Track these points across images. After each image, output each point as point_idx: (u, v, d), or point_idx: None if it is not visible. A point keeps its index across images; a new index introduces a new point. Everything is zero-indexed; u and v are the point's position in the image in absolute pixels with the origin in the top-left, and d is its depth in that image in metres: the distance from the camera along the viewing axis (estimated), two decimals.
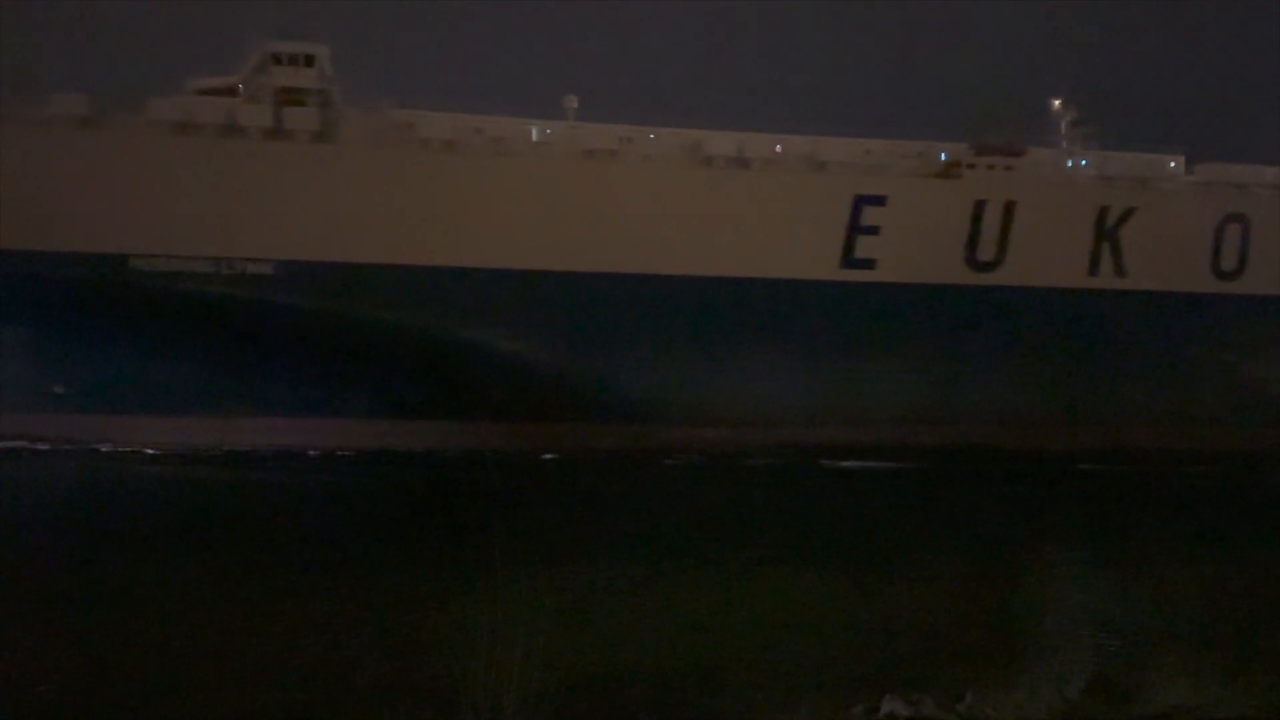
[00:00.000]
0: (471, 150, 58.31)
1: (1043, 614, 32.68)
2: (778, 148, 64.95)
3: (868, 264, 62.75)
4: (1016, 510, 49.74)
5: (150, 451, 55.14)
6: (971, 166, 64.87)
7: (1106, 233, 65.34)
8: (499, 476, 49.57)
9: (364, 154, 56.67)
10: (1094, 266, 65.24)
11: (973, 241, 63.77)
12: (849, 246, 62.63)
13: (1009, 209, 63.81)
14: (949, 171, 65.13)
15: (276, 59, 56.96)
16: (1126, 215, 65.46)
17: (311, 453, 55.01)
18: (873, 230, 62.66)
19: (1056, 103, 72.86)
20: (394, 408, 57.27)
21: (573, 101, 64.41)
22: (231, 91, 58.93)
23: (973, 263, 63.87)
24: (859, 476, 57.61)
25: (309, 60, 57.15)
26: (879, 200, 62.72)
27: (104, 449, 54.86)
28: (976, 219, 63.69)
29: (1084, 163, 69.22)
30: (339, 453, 55.41)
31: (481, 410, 57.87)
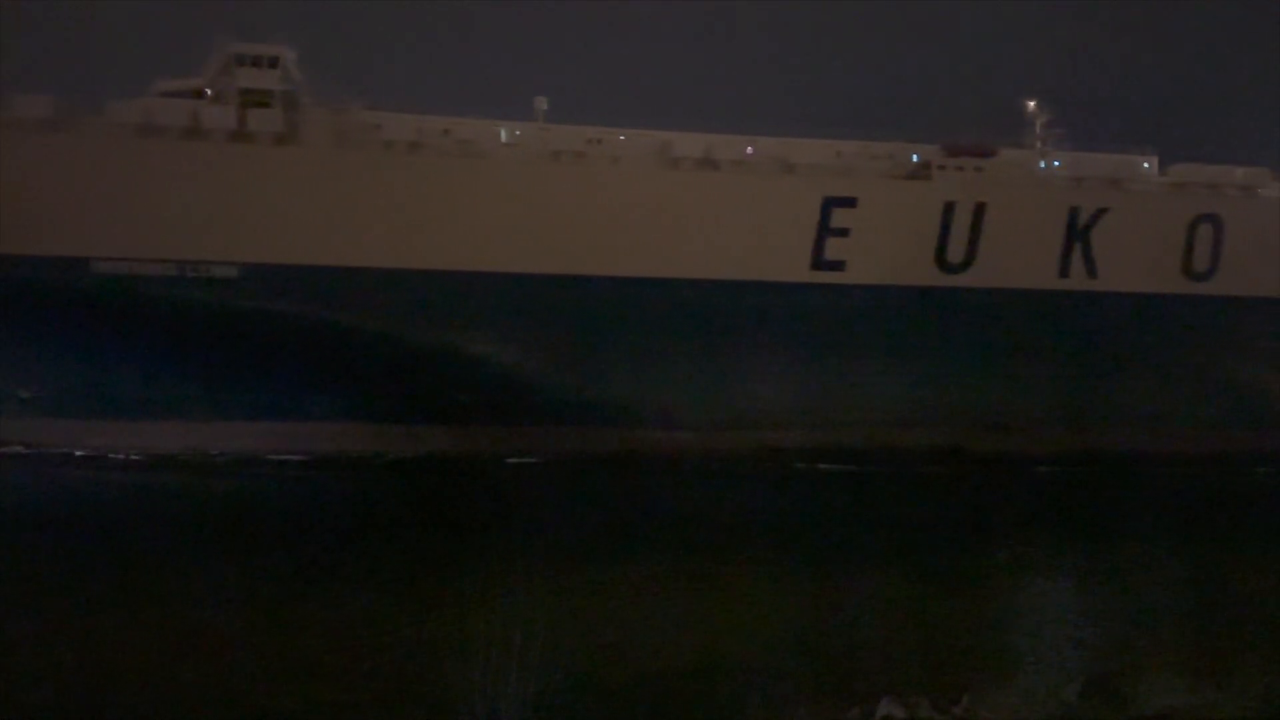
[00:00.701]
0: (436, 152, 58.04)
1: (941, 620, 32.61)
2: (749, 149, 64.75)
3: (837, 266, 62.55)
4: (960, 515, 49.74)
5: (117, 457, 55.03)
6: (941, 168, 64.65)
7: (1078, 234, 65.17)
8: (460, 482, 49.39)
9: (327, 155, 56.40)
10: (1065, 268, 65.07)
11: (943, 243, 63.60)
12: (818, 248, 62.42)
13: (979, 210, 63.62)
14: (919, 173, 64.94)
15: (239, 60, 56.70)
16: (1098, 216, 65.29)
17: (273, 458, 54.75)
18: (842, 232, 62.46)
19: (1031, 104, 72.90)
20: (362, 412, 57.06)
21: (542, 103, 64.24)
22: (198, 94, 58.74)
23: (943, 264, 63.69)
24: (811, 479, 57.42)
25: (272, 62, 56.88)
26: (849, 202, 62.53)
27: (78, 454, 54.72)
28: (946, 220, 63.48)
29: (1056, 163, 69.14)
30: (295, 458, 55.17)
31: (450, 414, 57.79)
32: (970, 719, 20.93)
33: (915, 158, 66.28)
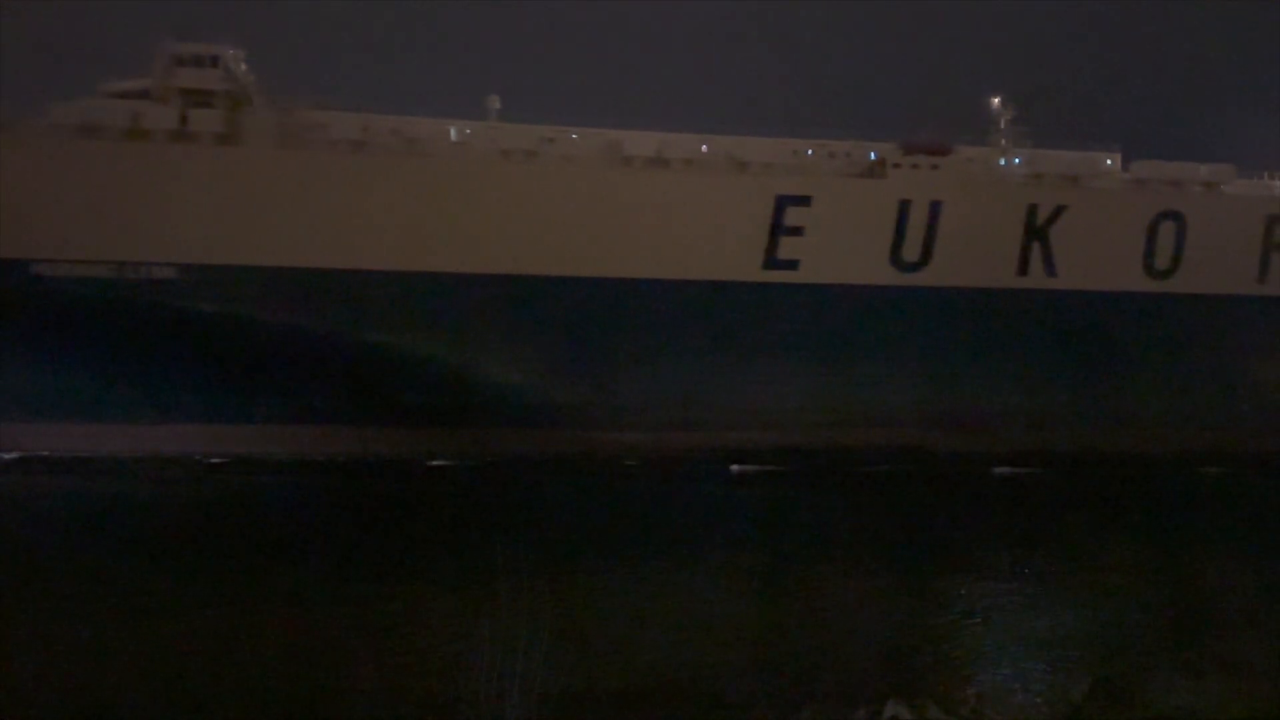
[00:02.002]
0: (382, 150, 57.44)
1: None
2: (704, 148, 64.02)
3: (790, 265, 61.82)
4: (886, 515, 49.07)
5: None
6: (897, 166, 63.85)
7: (1036, 231, 64.36)
8: (367, 485, 48.81)
9: (269, 155, 55.81)
10: (1023, 266, 64.23)
11: (898, 241, 62.82)
12: (771, 247, 61.68)
13: (935, 208, 62.86)
14: (874, 171, 64.19)
15: (179, 60, 56.17)
16: (1057, 214, 64.46)
17: (203, 459, 54.14)
18: (796, 231, 61.75)
19: (996, 100, 72.25)
20: (302, 413, 56.42)
21: (494, 102, 63.79)
22: (144, 94, 58.27)
23: (898, 263, 62.92)
24: (744, 481, 56.69)
25: (213, 61, 56.34)
26: (802, 200, 61.81)
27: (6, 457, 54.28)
28: (901, 219, 62.72)
29: (1017, 160, 68.35)
30: (216, 460, 54.53)
31: (397, 416, 57.16)
32: (977, 718, 21.21)
33: (874, 155, 65.60)
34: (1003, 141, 70.13)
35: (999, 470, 59.10)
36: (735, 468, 57.37)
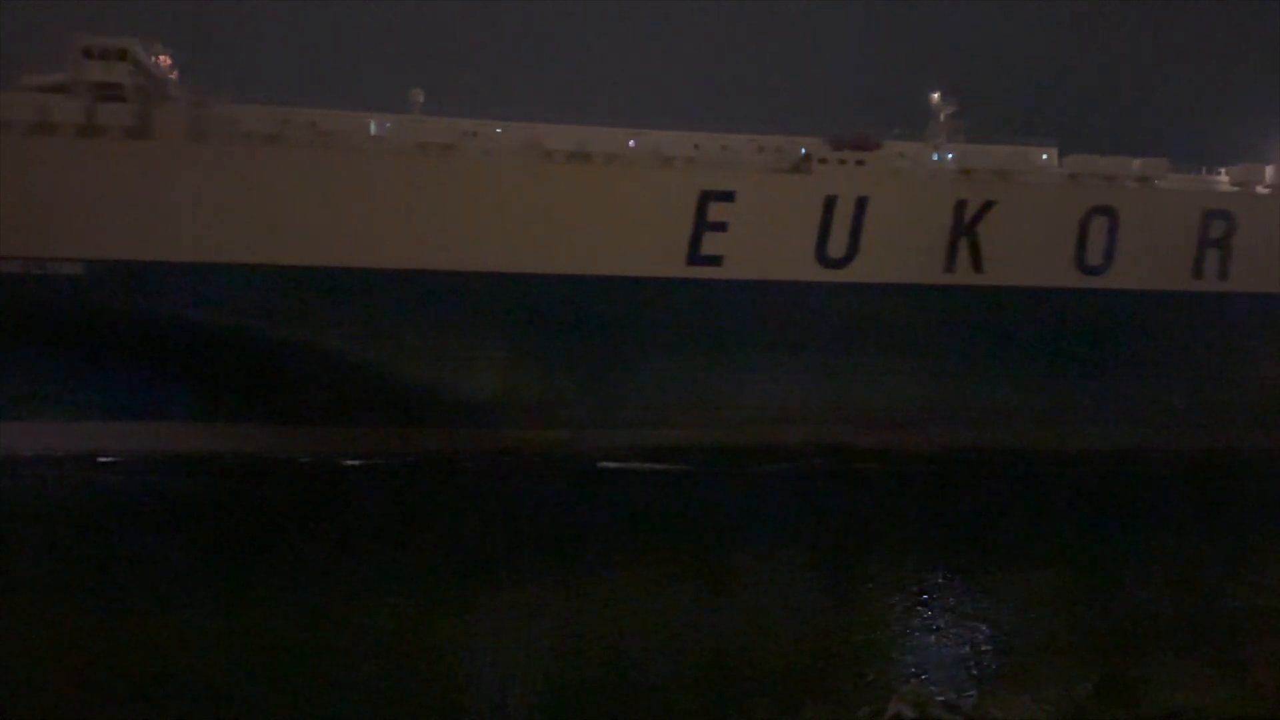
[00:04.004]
0: (295, 144, 56.80)
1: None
2: (631, 143, 63.50)
3: (714, 261, 61.24)
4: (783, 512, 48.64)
5: None
6: (823, 161, 63.22)
7: (963, 227, 63.77)
8: (287, 485, 48.20)
9: (178, 149, 55.12)
10: (950, 262, 63.63)
11: (824, 237, 62.24)
12: (695, 243, 61.11)
13: (861, 204, 62.29)
14: (800, 166, 63.56)
15: (86, 53, 55.44)
16: (985, 209, 63.87)
17: (104, 459, 53.55)
18: (720, 226, 61.17)
19: (935, 96, 71.64)
20: (212, 411, 55.89)
21: (418, 95, 63.13)
22: (62, 88, 57.59)
23: (824, 259, 62.34)
24: (654, 479, 56.12)
25: (120, 54, 55.59)
26: (726, 196, 61.22)
27: None
28: (827, 215, 62.14)
29: (950, 156, 67.72)
30: (115, 459, 53.81)
31: (304, 413, 56.64)
32: (980, 718, 21.24)
33: (804, 151, 64.97)
34: (942, 136, 69.63)
35: (889, 468, 58.55)
36: (605, 464, 56.66)
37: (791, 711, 22.79)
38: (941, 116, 70.51)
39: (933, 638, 31.85)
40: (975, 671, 28.22)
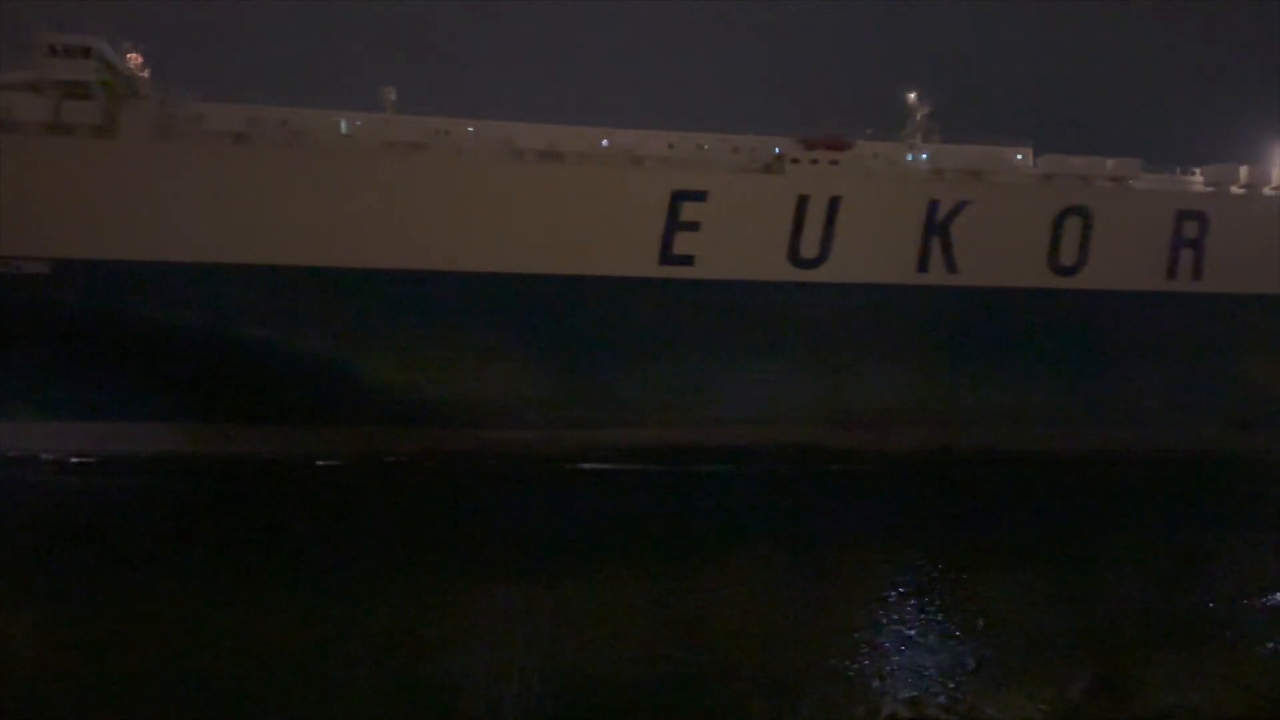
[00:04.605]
0: (262, 143, 56.41)
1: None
2: (604, 142, 63.25)
3: (686, 260, 61.04)
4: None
5: None
6: (795, 161, 63.04)
7: (936, 227, 63.64)
8: (251, 485, 47.88)
9: (144, 147, 54.73)
10: (923, 263, 63.52)
11: (796, 238, 62.08)
12: (667, 243, 60.88)
13: (833, 204, 62.12)
14: (773, 166, 63.38)
15: (51, 51, 55.00)
16: (958, 209, 63.76)
17: (64, 459, 53.20)
18: (692, 226, 60.96)
19: (911, 96, 71.54)
20: (181, 411, 55.50)
21: (390, 93, 62.89)
22: (31, 86, 57.14)
23: (796, 259, 62.17)
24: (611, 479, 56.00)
25: (85, 52, 55.14)
26: (699, 195, 61.01)
27: None
28: (800, 215, 61.96)
29: (924, 156, 67.61)
30: (85, 460, 53.54)
31: (274, 413, 56.31)
32: (976, 717, 21.42)
33: (778, 150, 64.80)
34: (917, 137, 69.54)
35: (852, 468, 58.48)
36: (577, 465, 56.44)
37: (785, 713, 22.49)
38: (918, 116, 70.55)
39: (892, 639, 31.75)
40: (949, 671, 28.08)
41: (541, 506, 49.30)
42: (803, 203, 61.96)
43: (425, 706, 24.80)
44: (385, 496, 49.39)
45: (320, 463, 54.03)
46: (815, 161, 63.18)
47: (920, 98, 71.32)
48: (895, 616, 34.09)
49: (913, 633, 32.10)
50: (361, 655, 28.18)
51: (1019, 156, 69.15)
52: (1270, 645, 31.01)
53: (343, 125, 60.56)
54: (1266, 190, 70.35)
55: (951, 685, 25.61)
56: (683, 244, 60.90)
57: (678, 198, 60.71)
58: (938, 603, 35.93)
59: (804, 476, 58.16)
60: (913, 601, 35.90)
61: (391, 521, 43.86)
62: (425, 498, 49.78)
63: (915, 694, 22.68)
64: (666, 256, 60.85)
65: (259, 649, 28.39)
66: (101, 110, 55.12)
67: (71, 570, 35.91)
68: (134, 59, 61.88)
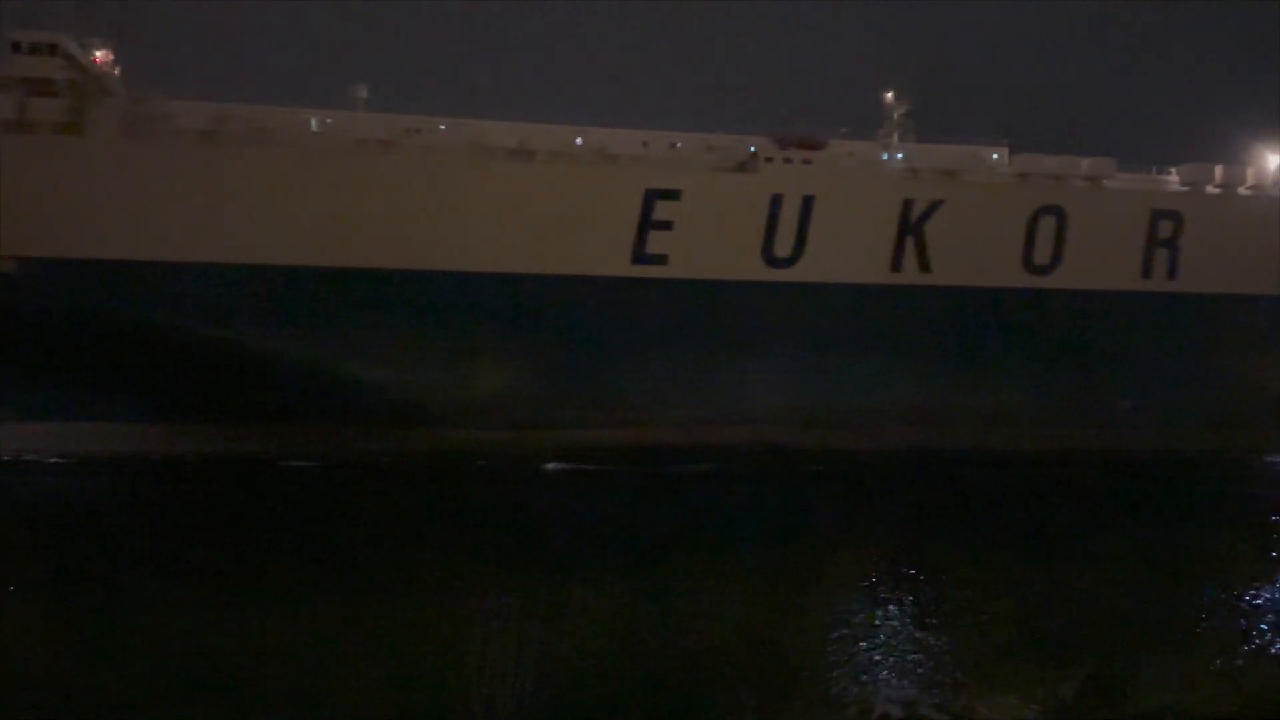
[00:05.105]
0: (227, 140, 56.00)
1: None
2: (578, 140, 63.02)
3: (659, 260, 60.82)
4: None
5: None
6: (769, 160, 62.84)
7: (910, 227, 63.50)
8: (211, 487, 47.51)
9: (110, 145, 54.30)
10: (897, 262, 63.36)
11: (769, 237, 61.89)
12: (640, 242, 60.65)
13: (807, 203, 61.95)
14: (747, 165, 63.16)
15: (15, 48, 54.55)
16: (932, 209, 63.62)
17: (37, 459, 52.76)
18: (665, 225, 60.74)
19: (889, 95, 71.44)
20: (146, 411, 55.10)
21: (361, 91, 62.57)
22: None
23: (770, 259, 61.99)
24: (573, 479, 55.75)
25: (50, 49, 54.71)
26: (672, 194, 60.78)
27: None
28: (773, 214, 61.78)
29: (900, 155, 67.47)
30: (51, 460, 53.14)
31: (253, 413, 55.95)
32: (968, 717, 21.39)
33: (753, 149, 64.59)
34: (893, 136, 69.42)
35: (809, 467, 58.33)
36: (551, 466, 56.20)
37: (775, 712, 22.49)
38: (895, 116, 70.45)
39: (874, 639, 31.43)
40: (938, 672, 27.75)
41: (502, 508, 48.80)
42: (776, 202, 61.78)
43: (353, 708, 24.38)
44: (347, 497, 48.91)
45: (285, 464, 53.63)
46: (789, 161, 62.98)
47: (898, 97, 71.36)
48: (875, 616, 33.79)
49: (897, 634, 31.88)
50: (274, 660, 27.73)
51: (995, 156, 69.04)
52: (1255, 642, 30.95)
53: (313, 123, 60.20)
54: (1241, 190, 70.37)
55: (943, 685, 25.35)
56: (656, 243, 60.68)
57: (651, 196, 60.47)
58: (916, 601, 35.72)
59: (775, 477, 57.93)
60: (893, 600, 35.69)
61: (348, 523, 43.43)
62: (387, 498, 49.34)
63: (907, 694, 22.60)
64: (639, 256, 60.62)
65: (186, 650, 28.01)
66: (68, 107, 54.71)
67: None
68: (104, 56, 61.52)
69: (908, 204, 63.42)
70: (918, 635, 32.13)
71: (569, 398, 60.15)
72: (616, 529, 45.03)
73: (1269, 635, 31.83)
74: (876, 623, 33.47)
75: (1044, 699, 21.89)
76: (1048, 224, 65.62)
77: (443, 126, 61.71)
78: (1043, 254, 65.54)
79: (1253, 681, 25.20)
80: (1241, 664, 28.11)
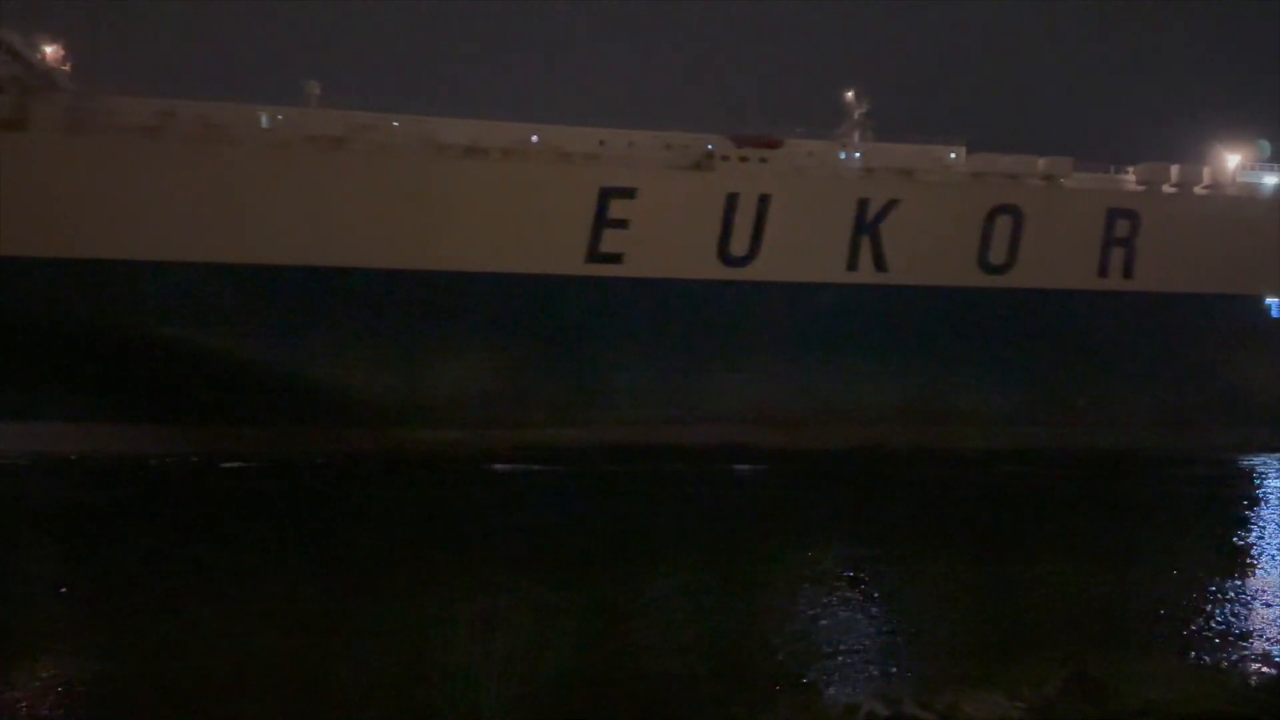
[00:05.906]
0: (172, 136, 55.18)
1: None
2: (534, 138, 62.56)
3: (614, 259, 60.42)
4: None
5: None
6: (725, 159, 62.57)
7: (866, 226, 63.35)
8: (143, 489, 46.69)
9: (52, 141, 53.43)
10: (852, 261, 63.19)
11: (725, 235, 61.61)
12: (595, 240, 60.23)
13: (763, 202, 61.70)
14: (703, 164, 62.88)
15: None
16: (888, 208, 63.50)
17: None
18: (620, 224, 60.35)
19: (849, 94, 71.39)
20: (93, 411, 54.23)
21: (314, 87, 62.00)
22: None
23: (725, 258, 61.70)
24: (523, 478, 55.24)
25: None
26: (628, 192, 60.40)
27: None
28: (729, 213, 61.50)
29: (858, 155, 67.37)
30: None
31: (192, 413, 55.22)
32: (954, 715, 21.27)
33: (710, 148, 64.32)
34: (851, 135, 69.33)
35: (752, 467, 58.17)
36: (499, 466, 55.75)
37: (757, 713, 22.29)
38: (855, 115, 70.40)
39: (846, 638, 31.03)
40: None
41: (442, 509, 48.12)
42: (732, 200, 61.50)
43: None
44: (286, 500, 48.16)
45: (225, 465, 52.84)
46: (745, 159, 62.75)
47: (857, 96, 71.35)
48: (852, 613, 33.33)
49: (868, 629, 31.52)
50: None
51: (952, 155, 69.06)
52: (1231, 639, 30.88)
53: (263, 119, 59.53)
54: (1197, 189, 70.72)
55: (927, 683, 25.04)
56: (611, 241, 60.27)
57: (606, 194, 60.07)
58: (893, 598, 35.34)
59: (727, 476, 57.55)
60: (868, 598, 35.32)
61: (285, 526, 42.71)
62: (332, 501, 48.69)
63: (891, 693, 22.27)
64: (594, 254, 60.21)
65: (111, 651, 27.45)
66: (12, 104, 53.79)
67: None
68: (54, 53, 60.60)
69: (863, 203, 63.26)
70: (897, 632, 31.67)
71: (521, 397, 59.70)
72: (558, 527, 44.47)
73: (1249, 631, 31.68)
74: (857, 619, 33.05)
75: (1029, 696, 21.87)
76: (1004, 223, 65.60)
77: (396, 123, 61.16)
78: (999, 253, 65.50)
79: (1235, 677, 25.42)
80: (1223, 660, 28.11)
